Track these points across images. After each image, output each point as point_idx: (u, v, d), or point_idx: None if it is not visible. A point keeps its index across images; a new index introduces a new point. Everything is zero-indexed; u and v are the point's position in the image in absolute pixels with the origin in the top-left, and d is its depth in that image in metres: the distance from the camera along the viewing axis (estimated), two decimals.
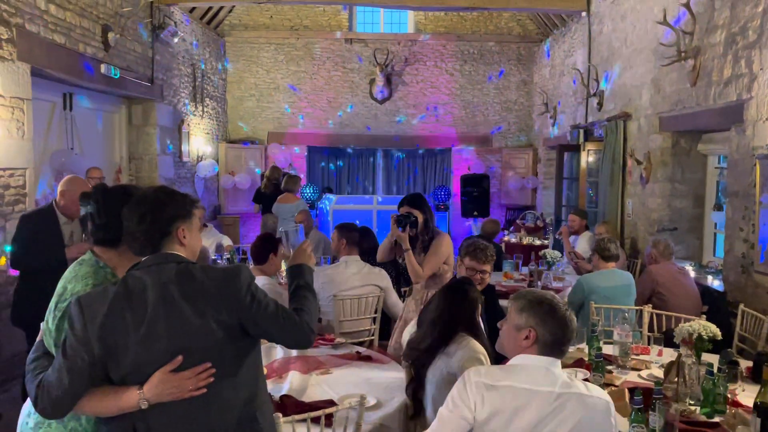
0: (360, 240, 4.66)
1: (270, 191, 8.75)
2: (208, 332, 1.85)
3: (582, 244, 6.69)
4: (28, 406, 2.07)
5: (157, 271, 1.88)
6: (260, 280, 4.21)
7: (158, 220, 1.92)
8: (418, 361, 2.79)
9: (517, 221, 10.10)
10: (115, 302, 1.83)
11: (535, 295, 2.21)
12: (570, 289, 4.83)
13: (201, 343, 1.85)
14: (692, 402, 2.82)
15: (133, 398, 1.80)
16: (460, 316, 2.77)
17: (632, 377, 3.25)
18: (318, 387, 3.03)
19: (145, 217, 1.91)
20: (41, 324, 2.03)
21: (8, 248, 4.93)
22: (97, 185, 2.15)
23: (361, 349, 3.73)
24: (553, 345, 2.15)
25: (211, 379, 1.85)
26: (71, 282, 1.99)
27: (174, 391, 1.81)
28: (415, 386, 2.80)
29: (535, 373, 2.10)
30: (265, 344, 3.41)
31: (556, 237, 7.56)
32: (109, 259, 2.07)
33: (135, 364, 1.82)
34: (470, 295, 2.83)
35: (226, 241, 7.05)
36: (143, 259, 1.93)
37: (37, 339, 2.03)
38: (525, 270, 6.27)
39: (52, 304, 2.00)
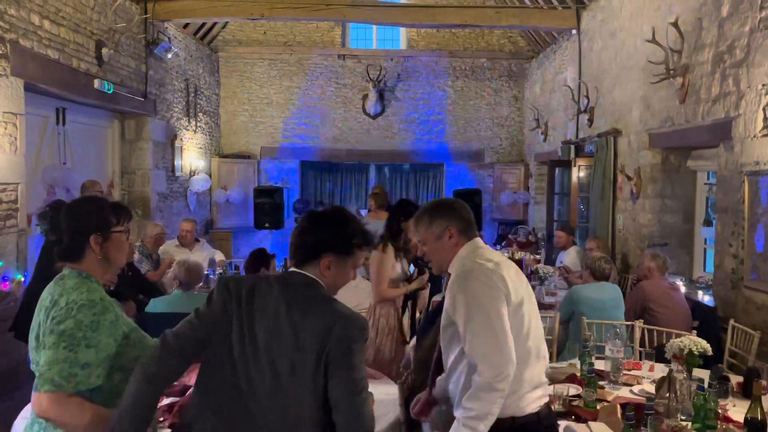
0: None
1: None
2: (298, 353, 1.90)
3: (571, 256, 6.78)
4: (30, 414, 2.05)
5: (284, 288, 1.96)
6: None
7: (309, 241, 2.01)
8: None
9: (509, 236, 10.14)
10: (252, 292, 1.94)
11: (427, 206, 2.48)
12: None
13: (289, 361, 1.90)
14: (684, 417, 2.83)
15: None
16: None
17: (624, 393, 3.26)
18: None
19: (307, 234, 2.02)
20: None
21: (0, 263, 4.92)
22: (52, 202, 2.15)
23: None
24: (470, 225, 2.42)
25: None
26: (62, 295, 1.96)
27: None
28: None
29: (491, 251, 2.40)
30: None
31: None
32: (87, 269, 2.05)
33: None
34: None
35: (219, 256, 7.05)
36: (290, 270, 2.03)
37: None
38: None
39: (41, 317, 1.97)
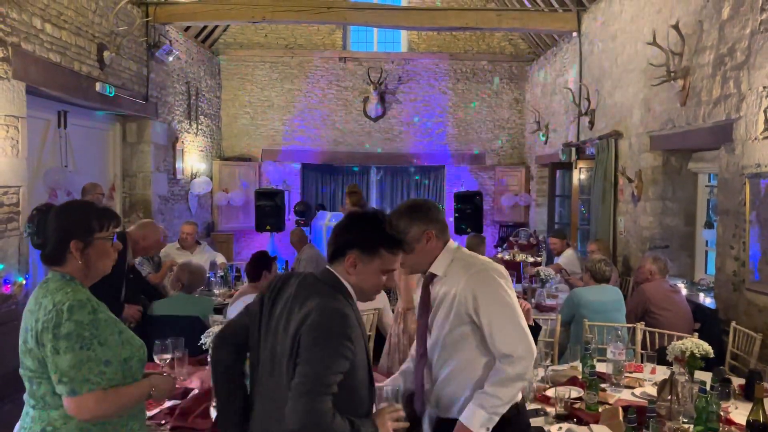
0: None
1: None
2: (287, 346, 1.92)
3: (567, 256, 6.82)
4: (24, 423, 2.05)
5: (302, 280, 2.01)
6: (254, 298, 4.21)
7: (339, 239, 2.03)
8: None
9: (511, 238, 10.13)
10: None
11: (401, 209, 2.44)
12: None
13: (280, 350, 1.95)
14: (685, 420, 2.83)
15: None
16: None
17: (626, 395, 3.26)
18: None
19: (339, 232, 2.04)
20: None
21: (1, 266, 4.92)
22: (40, 205, 2.13)
23: None
24: (446, 227, 2.45)
25: None
26: (46, 296, 1.97)
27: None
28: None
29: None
30: None
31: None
32: (70, 272, 2.06)
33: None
34: None
35: (220, 259, 7.05)
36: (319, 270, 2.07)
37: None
38: (518, 287, 6.29)
39: (29, 321, 1.98)
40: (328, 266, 2.04)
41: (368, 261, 1.98)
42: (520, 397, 2.40)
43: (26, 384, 2.02)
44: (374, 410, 2.05)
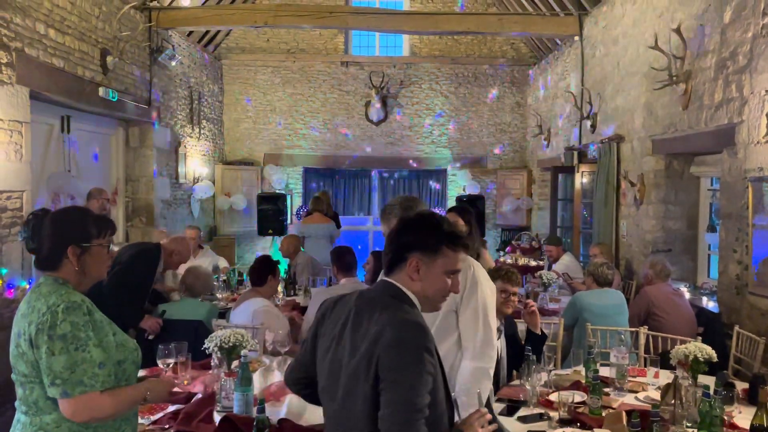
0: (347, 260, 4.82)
1: None
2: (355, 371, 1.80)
3: (564, 262, 6.83)
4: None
5: (360, 296, 1.91)
6: (258, 302, 4.22)
7: (396, 245, 1.91)
8: None
9: (513, 242, 10.12)
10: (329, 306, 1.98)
11: (399, 203, 2.68)
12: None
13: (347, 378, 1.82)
14: (689, 424, 2.82)
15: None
16: None
17: (629, 399, 3.26)
18: (316, 410, 3.01)
19: (394, 238, 1.92)
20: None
21: (4, 271, 4.93)
22: (37, 210, 2.13)
23: None
24: None
25: None
26: (39, 299, 1.97)
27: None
28: None
29: None
30: (262, 366, 3.41)
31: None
32: (63, 277, 2.06)
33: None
34: None
35: (222, 263, 7.06)
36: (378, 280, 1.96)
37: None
38: (521, 291, 6.28)
39: (21, 325, 1.97)
40: (385, 278, 1.90)
41: (431, 262, 1.84)
42: (488, 388, 2.57)
43: (18, 390, 2.02)
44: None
